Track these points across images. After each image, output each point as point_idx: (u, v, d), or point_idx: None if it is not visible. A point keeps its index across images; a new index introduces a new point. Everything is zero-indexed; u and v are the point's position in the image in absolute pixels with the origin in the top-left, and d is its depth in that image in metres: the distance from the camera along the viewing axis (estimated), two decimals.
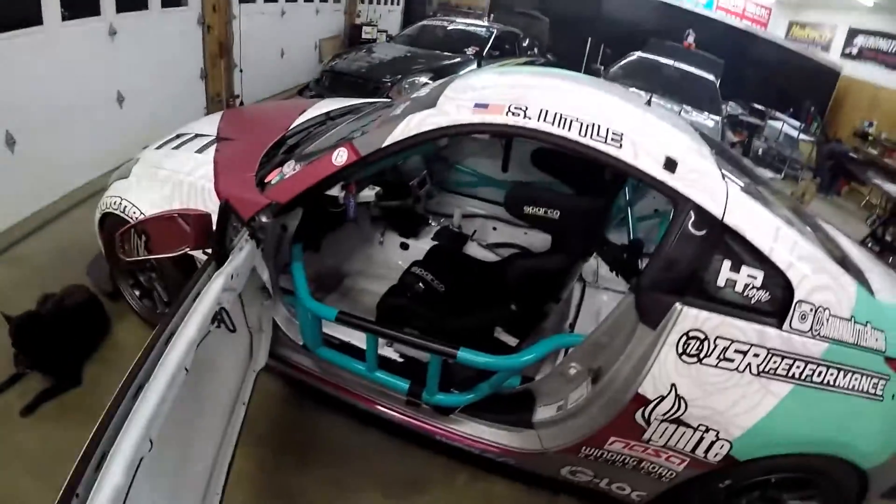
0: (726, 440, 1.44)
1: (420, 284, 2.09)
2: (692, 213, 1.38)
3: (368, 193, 1.89)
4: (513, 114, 1.49)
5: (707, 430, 1.44)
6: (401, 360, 1.86)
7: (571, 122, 1.46)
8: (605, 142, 1.44)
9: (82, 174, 3.26)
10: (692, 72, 6.26)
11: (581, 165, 1.64)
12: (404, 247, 2.65)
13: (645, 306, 1.41)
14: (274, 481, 1.81)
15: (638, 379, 1.41)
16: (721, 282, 1.37)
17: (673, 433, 1.46)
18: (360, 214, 2.48)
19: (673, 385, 1.40)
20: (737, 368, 1.38)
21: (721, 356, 1.38)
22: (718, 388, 1.39)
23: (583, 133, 1.45)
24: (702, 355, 1.38)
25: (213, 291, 1.28)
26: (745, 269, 1.36)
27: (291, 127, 2.33)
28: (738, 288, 1.37)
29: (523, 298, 1.82)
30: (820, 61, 9.15)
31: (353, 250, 2.60)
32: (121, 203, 1.99)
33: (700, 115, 5.39)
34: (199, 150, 2.09)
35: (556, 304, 2.04)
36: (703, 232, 1.37)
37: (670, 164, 1.42)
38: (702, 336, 1.37)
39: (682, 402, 1.41)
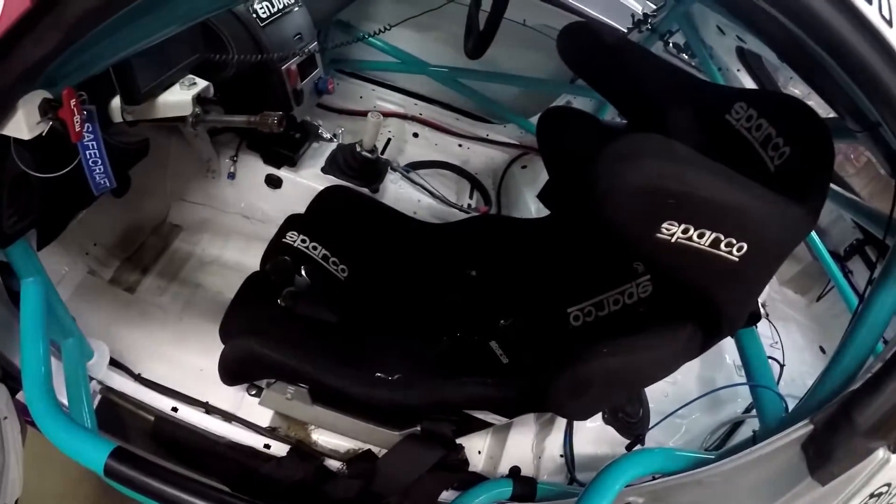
0: None
1: (303, 273, 1.13)
2: None
3: (180, 97, 0.99)
4: None
5: None
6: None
7: None
8: None
9: None
10: None
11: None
12: (272, 183, 1.54)
13: (832, 453, 0.78)
14: None
15: None
16: None
17: None
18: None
19: None
20: None
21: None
22: None
23: None
24: None
25: None
26: None
27: None
28: None
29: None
30: None
31: (189, 186, 1.56)
32: None
33: None
34: None
35: None
36: None
37: None
38: (885, 490, 0.91)
39: None
